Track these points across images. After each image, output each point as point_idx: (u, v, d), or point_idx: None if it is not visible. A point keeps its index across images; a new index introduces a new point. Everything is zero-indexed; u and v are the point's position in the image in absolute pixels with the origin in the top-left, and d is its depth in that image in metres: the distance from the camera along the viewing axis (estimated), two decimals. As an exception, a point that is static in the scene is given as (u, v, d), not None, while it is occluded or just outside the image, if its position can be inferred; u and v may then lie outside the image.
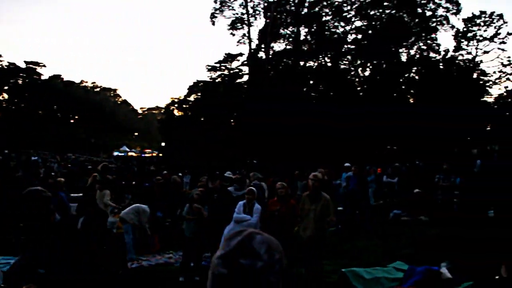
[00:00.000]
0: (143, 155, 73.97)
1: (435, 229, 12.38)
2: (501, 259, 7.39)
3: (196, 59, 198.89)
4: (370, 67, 46.30)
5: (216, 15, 49.97)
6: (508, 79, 47.35)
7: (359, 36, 46.46)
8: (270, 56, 47.43)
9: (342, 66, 46.44)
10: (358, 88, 45.89)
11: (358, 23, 46.73)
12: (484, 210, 12.69)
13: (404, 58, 46.51)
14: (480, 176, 13.03)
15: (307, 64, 46.88)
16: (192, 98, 58.53)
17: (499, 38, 46.04)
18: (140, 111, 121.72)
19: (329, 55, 46.30)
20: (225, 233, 8.04)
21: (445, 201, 12.06)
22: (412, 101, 45.54)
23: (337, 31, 47.18)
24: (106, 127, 70.40)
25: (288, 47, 48.40)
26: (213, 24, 50.49)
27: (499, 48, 46.15)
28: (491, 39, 46.12)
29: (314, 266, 7.65)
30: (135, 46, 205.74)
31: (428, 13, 45.91)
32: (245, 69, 51.05)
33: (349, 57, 46.55)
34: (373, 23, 45.96)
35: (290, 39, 48.49)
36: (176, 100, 64.97)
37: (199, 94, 56.29)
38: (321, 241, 7.76)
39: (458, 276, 7.65)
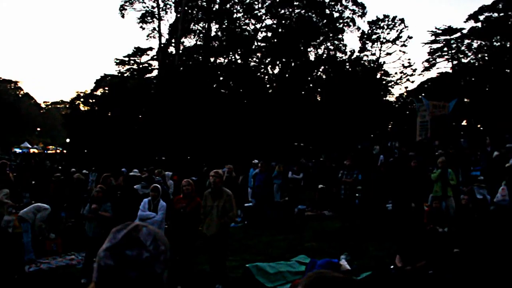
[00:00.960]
0: (46, 151, 70.84)
1: (338, 223, 12.84)
2: (396, 250, 7.80)
3: (104, 52, 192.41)
4: (280, 65, 47.11)
5: (125, 7, 48.78)
6: (408, 79, 50.12)
7: (269, 34, 47.13)
8: (181, 51, 47.01)
9: (252, 64, 46.91)
10: (268, 86, 46.58)
11: (268, 21, 47.38)
12: (383, 204, 13.29)
13: (312, 57, 47.77)
14: (380, 172, 13.63)
15: (218, 61, 46.94)
16: (99, 92, 56.79)
17: (400, 41, 48.61)
18: (43, 105, 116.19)
19: (239, 52, 46.60)
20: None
21: (348, 195, 12.50)
22: (319, 99, 46.93)
23: (248, 28, 47.60)
24: (5, 121, 66.61)
25: (198, 42, 48.21)
26: (123, 16, 49.25)
27: (400, 50, 48.80)
28: (393, 42, 48.57)
29: (218, 263, 7.65)
30: (39, 37, 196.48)
31: (336, 15, 47.42)
32: (155, 63, 50.26)
33: (259, 54, 47.10)
34: (283, 22, 46.76)
35: (201, 35, 48.31)
36: (82, 94, 62.76)
37: (107, 88, 54.71)
38: (225, 238, 7.77)
39: (357, 267, 7.99)
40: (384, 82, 48.77)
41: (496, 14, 47.22)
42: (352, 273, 7.38)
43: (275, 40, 45.43)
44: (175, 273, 7.40)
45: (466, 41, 50.18)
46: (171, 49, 47.70)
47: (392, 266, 7.46)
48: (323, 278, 1.34)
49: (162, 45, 47.83)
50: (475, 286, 6.65)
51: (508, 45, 46.88)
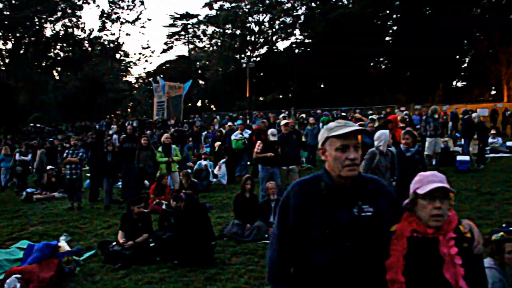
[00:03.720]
0: None
1: (67, 204, 12.70)
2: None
3: None
4: (13, 40, 43.61)
5: None
6: (146, 60, 51.22)
7: (1, 6, 43.13)
8: None
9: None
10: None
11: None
12: (113, 182, 13.55)
13: (49, 33, 45.37)
14: (104, 150, 13.75)
15: None
16: None
17: (140, 22, 49.20)
18: None
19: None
20: None
21: (73, 175, 12.42)
22: (57, 77, 45.10)
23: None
24: None
25: None
26: None
27: (140, 32, 49.57)
28: (133, 23, 48.87)
29: None
30: None
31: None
32: None
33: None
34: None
35: None
36: None
37: None
38: None
39: (81, 247, 8.11)
40: (124, 62, 48.98)
41: (228, 4, 50.96)
42: (73, 254, 7.47)
43: (8, 13, 41.78)
44: None
45: (202, 27, 53.16)
46: None
47: (114, 243, 7.73)
48: None
49: None
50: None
51: (238, 33, 51.08)
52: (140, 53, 50.25)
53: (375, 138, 7.51)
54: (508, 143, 18.70)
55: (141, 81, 51.21)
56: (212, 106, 50.39)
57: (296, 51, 50.30)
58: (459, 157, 14.45)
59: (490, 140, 18.00)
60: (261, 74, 49.08)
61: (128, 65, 49.66)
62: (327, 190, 2.43)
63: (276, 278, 2.60)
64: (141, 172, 13.05)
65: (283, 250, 2.53)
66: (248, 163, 15.55)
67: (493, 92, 45.89)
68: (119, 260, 7.30)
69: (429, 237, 2.37)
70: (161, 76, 41.12)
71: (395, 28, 47.88)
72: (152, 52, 50.67)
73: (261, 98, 49.57)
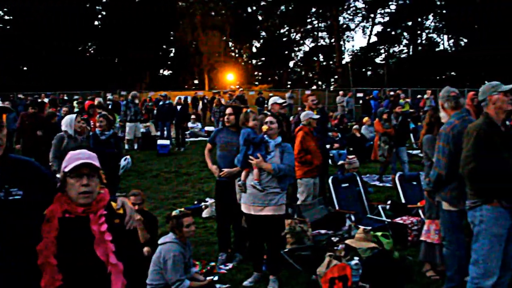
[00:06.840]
0: None
1: None
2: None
3: None
4: None
5: None
6: None
7: None
8: None
9: None
10: None
11: None
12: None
13: None
14: None
15: None
16: None
17: None
18: None
19: None
20: None
21: None
22: None
23: None
24: None
25: None
26: None
27: None
28: None
29: None
30: None
31: None
32: None
33: None
34: None
35: None
36: None
37: None
38: None
39: None
40: None
41: None
42: None
43: None
44: None
45: None
46: None
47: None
48: None
49: None
50: None
51: None
52: None
53: (62, 123, 7.25)
54: (206, 128, 20.31)
55: None
56: None
57: (-5, 28, 45.75)
58: (159, 141, 15.19)
59: (190, 124, 19.32)
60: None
61: None
62: None
63: None
64: None
65: None
66: None
67: (196, 81, 49.38)
68: None
69: (80, 216, 2.36)
70: None
71: (104, 13, 47.31)
72: None
73: None
